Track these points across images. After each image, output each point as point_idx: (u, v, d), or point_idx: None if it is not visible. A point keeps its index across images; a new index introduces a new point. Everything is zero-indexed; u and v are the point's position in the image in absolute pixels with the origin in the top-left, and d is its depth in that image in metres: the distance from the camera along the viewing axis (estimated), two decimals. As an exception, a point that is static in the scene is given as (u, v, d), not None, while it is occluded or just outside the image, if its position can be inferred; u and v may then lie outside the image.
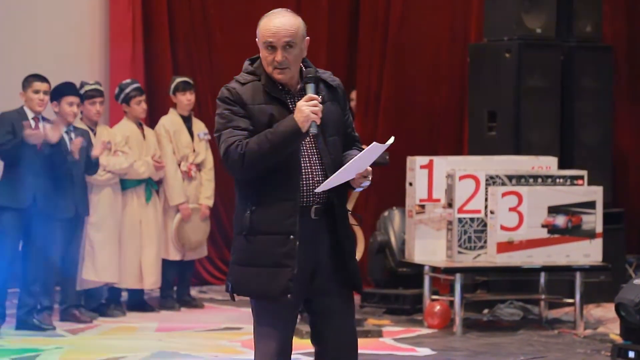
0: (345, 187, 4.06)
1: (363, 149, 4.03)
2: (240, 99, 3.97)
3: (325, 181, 3.95)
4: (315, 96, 3.94)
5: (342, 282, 4.06)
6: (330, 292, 4.04)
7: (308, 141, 4.00)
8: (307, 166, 3.99)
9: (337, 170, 3.96)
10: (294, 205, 3.94)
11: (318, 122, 3.91)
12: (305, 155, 4.00)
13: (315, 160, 4.01)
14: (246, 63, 4.10)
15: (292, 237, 3.93)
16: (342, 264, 4.05)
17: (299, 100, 3.98)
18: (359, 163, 3.95)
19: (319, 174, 4.00)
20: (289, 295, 3.92)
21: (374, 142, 3.94)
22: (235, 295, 4.06)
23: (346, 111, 4.18)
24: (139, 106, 8.18)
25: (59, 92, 7.61)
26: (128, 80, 8.31)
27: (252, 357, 4.06)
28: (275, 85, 4.01)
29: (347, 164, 3.95)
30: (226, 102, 3.99)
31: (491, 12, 8.59)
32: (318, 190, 3.96)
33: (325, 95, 4.04)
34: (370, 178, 4.03)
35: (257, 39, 4.04)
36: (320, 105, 3.93)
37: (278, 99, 3.99)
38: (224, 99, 4.00)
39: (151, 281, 8.21)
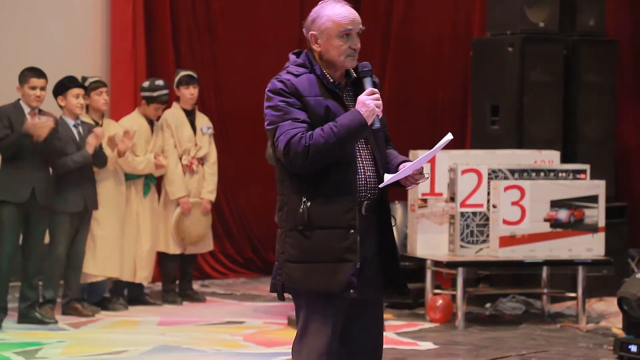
0: (388, 186, 4.00)
1: (396, 148, 4.02)
2: (296, 90, 3.88)
3: (392, 176, 3.90)
4: (376, 90, 3.90)
5: (387, 281, 4.00)
6: (373, 288, 3.97)
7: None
8: (360, 161, 3.93)
9: (390, 166, 3.94)
10: (353, 199, 3.87)
11: (380, 115, 3.88)
12: (358, 150, 3.94)
13: (367, 155, 3.96)
14: (292, 56, 4.01)
15: (352, 231, 3.85)
16: (390, 261, 3.99)
17: (347, 94, 3.95)
18: (427, 157, 3.93)
19: (371, 170, 3.94)
20: (352, 291, 3.84)
21: (449, 133, 3.92)
22: (285, 294, 3.93)
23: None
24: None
25: (64, 86, 7.60)
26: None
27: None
28: (328, 79, 3.94)
29: (422, 157, 3.91)
30: (281, 94, 3.88)
31: (494, 6, 8.57)
32: (382, 185, 3.91)
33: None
34: (426, 175, 3.99)
35: (316, 31, 3.92)
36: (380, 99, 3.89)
37: (332, 92, 3.93)
38: (278, 91, 3.88)
39: (144, 275, 8.19)
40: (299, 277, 3.89)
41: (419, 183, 3.98)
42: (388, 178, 3.92)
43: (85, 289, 7.96)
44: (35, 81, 7.28)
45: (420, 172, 3.97)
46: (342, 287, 3.84)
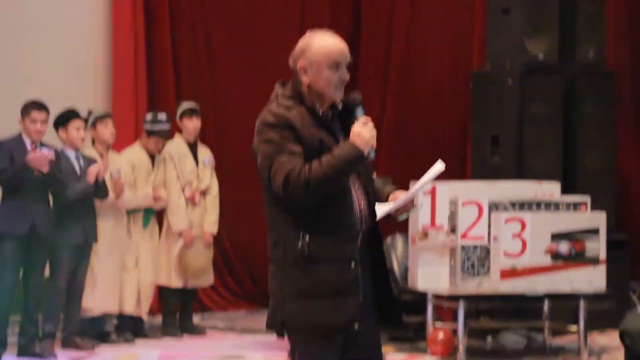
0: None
1: (377, 178, 4.02)
2: (289, 123, 3.83)
3: (387, 208, 3.88)
4: (369, 118, 3.87)
5: (381, 314, 3.96)
6: (370, 322, 3.91)
7: None
8: (353, 192, 3.90)
9: (381, 197, 3.94)
10: (352, 231, 3.84)
11: (375, 146, 3.86)
12: (351, 180, 3.90)
13: (359, 186, 3.92)
14: (279, 88, 3.97)
15: (353, 263, 3.82)
16: (386, 294, 3.95)
17: (334, 124, 3.92)
18: (421, 188, 3.93)
19: (364, 200, 3.91)
20: (356, 325, 3.79)
21: (440, 160, 3.92)
22: (285, 333, 3.86)
23: None
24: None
25: (65, 118, 7.61)
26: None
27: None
28: (317, 111, 3.92)
29: (414, 188, 3.90)
30: (274, 128, 3.83)
31: (493, 38, 8.59)
32: (379, 216, 3.88)
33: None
34: (421, 206, 3.99)
35: (306, 62, 3.89)
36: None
37: (323, 124, 3.90)
38: (272, 124, 3.83)
39: (145, 308, 8.17)
40: (301, 313, 3.81)
41: (412, 214, 3.96)
42: (382, 210, 3.90)
43: (85, 322, 7.92)
44: (36, 114, 7.28)
45: (412, 203, 3.95)
46: (346, 321, 3.80)
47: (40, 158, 7.10)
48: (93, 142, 7.95)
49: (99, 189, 7.57)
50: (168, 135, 8.29)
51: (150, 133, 8.20)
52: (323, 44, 3.90)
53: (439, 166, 3.95)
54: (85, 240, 7.57)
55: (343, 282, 3.80)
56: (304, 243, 3.79)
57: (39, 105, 7.32)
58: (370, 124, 3.85)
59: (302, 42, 3.95)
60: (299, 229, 3.82)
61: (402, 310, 4.01)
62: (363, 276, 3.89)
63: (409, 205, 3.96)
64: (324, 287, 3.79)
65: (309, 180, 3.75)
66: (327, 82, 3.89)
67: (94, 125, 7.86)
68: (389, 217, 3.98)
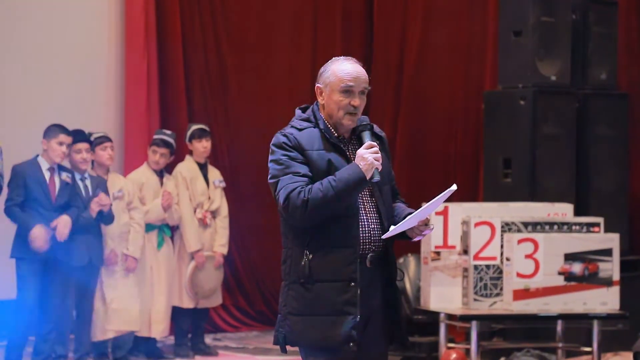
0: (394, 239, 4.03)
1: (405, 202, 4.03)
2: (298, 144, 3.93)
3: (396, 226, 3.92)
4: (375, 143, 3.94)
5: (390, 334, 4.02)
6: (378, 342, 3.98)
7: (364, 189, 3.97)
8: (364, 214, 3.96)
9: (397, 219, 3.96)
10: (354, 252, 3.90)
11: (380, 169, 3.90)
12: (362, 203, 3.97)
13: (371, 208, 3.99)
14: (298, 111, 4.08)
15: (353, 284, 3.87)
16: (393, 315, 4.01)
17: (352, 148, 3.98)
18: (431, 208, 3.95)
19: (375, 222, 3.97)
20: (351, 344, 3.85)
21: (453, 186, 3.95)
22: (287, 347, 3.95)
23: (390, 163, 4.19)
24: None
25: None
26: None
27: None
28: (332, 132, 3.99)
29: (425, 207, 3.94)
30: (283, 148, 3.93)
31: (505, 59, 8.61)
32: (385, 236, 3.93)
33: (378, 145, 4.03)
34: (431, 226, 4.01)
35: (322, 84, 4.00)
36: (380, 152, 3.92)
37: (336, 145, 3.97)
38: (281, 145, 3.94)
39: (160, 329, 8.16)
40: (300, 330, 3.91)
41: (424, 234, 3.99)
42: (392, 229, 3.92)
43: (98, 344, 7.88)
44: (64, 137, 7.33)
45: (425, 224, 3.98)
46: (341, 340, 3.86)
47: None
48: (93, 165, 7.95)
49: (104, 217, 7.59)
50: (163, 145, 8.24)
51: (152, 143, 8.23)
52: (338, 68, 3.99)
53: (451, 188, 3.99)
54: (89, 262, 7.55)
55: (340, 301, 3.87)
56: (306, 261, 3.89)
57: (66, 129, 7.40)
58: (375, 148, 3.91)
59: (323, 66, 4.06)
60: (303, 248, 3.91)
61: (409, 331, 4.07)
62: (374, 297, 3.95)
63: (423, 227, 3.97)
64: (322, 305, 3.88)
65: (308, 200, 3.83)
66: (337, 105, 3.97)
67: (92, 148, 7.85)
68: (402, 235, 3.99)
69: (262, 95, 10.00)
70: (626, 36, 9.46)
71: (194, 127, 8.55)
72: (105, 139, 7.91)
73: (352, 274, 3.88)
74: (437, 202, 3.98)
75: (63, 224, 7.25)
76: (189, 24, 9.69)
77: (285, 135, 3.95)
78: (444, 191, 3.98)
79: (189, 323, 8.49)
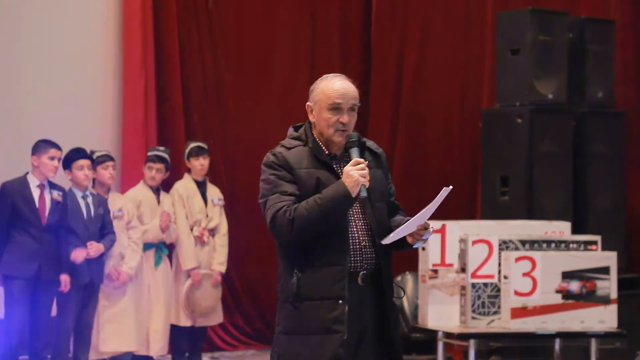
0: (391, 255, 4.02)
1: (406, 216, 4.02)
2: (287, 163, 3.95)
3: (394, 232, 3.92)
4: (362, 160, 3.93)
5: (384, 352, 4.00)
6: (370, 358, 3.97)
7: (355, 206, 3.97)
8: (354, 231, 3.96)
9: (396, 228, 3.93)
10: (343, 269, 3.89)
11: (367, 185, 3.89)
12: (352, 220, 3.96)
13: (362, 225, 3.98)
14: (290, 129, 4.09)
15: (340, 301, 3.87)
16: (386, 333, 4.00)
17: (344, 165, 3.97)
18: (429, 211, 3.94)
19: (366, 240, 3.96)
20: None
21: (448, 187, 3.93)
22: None
23: (389, 179, 4.19)
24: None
25: (70, 159, 7.57)
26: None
27: None
28: (322, 150, 4.00)
29: (423, 211, 3.92)
30: (272, 167, 3.96)
31: (503, 77, 8.63)
32: (385, 242, 3.93)
33: (371, 162, 4.04)
34: (431, 230, 3.99)
35: (312, 102, 4.03)
36: (367, 169, 3.91)
37: (325, 163, 3.98)
38: (270, 164, 3.97)
39: (157, 348, 8.14)
40: (291, 349, 3.93)
41: (425, 239, 3.97)
42: (392, 234, 3.92)
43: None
44: (54, 152, 7.28)
45: (425, 228, 3.97)
46: (329, 358, 3.85)
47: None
48: (93, 183, 7.94)
49: (103, 234, 7.59)
50: (158, 161, 8.23)
51: (147, 160, 8.23)
52: (326, 86, 4.01)
53: (448, 188, 3.97)
54: (90, 280, 7.53)
55: (329, 319, 3.87)
56: (295, 280, 3.90)
57: (55, 144, 7.33)
58: (362, 165, 3.90)
59: (314, 83, 4.07)
60: (293, 267, 3.93)
61: (407, 349, 4.07)
62: (367, 314, 3.95)
63: (423, 231, 3.96)
64: (310, 323, 3.89)
65: (293, 219, 3.85)
66: (326, 122, 3.99)
67: (93, 167, 7.83)
68: (404, 244, 3.98)
69: (260, 113, 10.01)
70: (622, 55, 9.49)
71: (192, 144, 8.56)
72: (107, 157, 7.89)
73: (340, 292, 3.88)
74: (435, 205, 3.98)
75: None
76: (187, 42, 9.70)
77: (274, 154, 3.99)
78: (442, 194, 3.96)
79: (186, 341, 8.46)
